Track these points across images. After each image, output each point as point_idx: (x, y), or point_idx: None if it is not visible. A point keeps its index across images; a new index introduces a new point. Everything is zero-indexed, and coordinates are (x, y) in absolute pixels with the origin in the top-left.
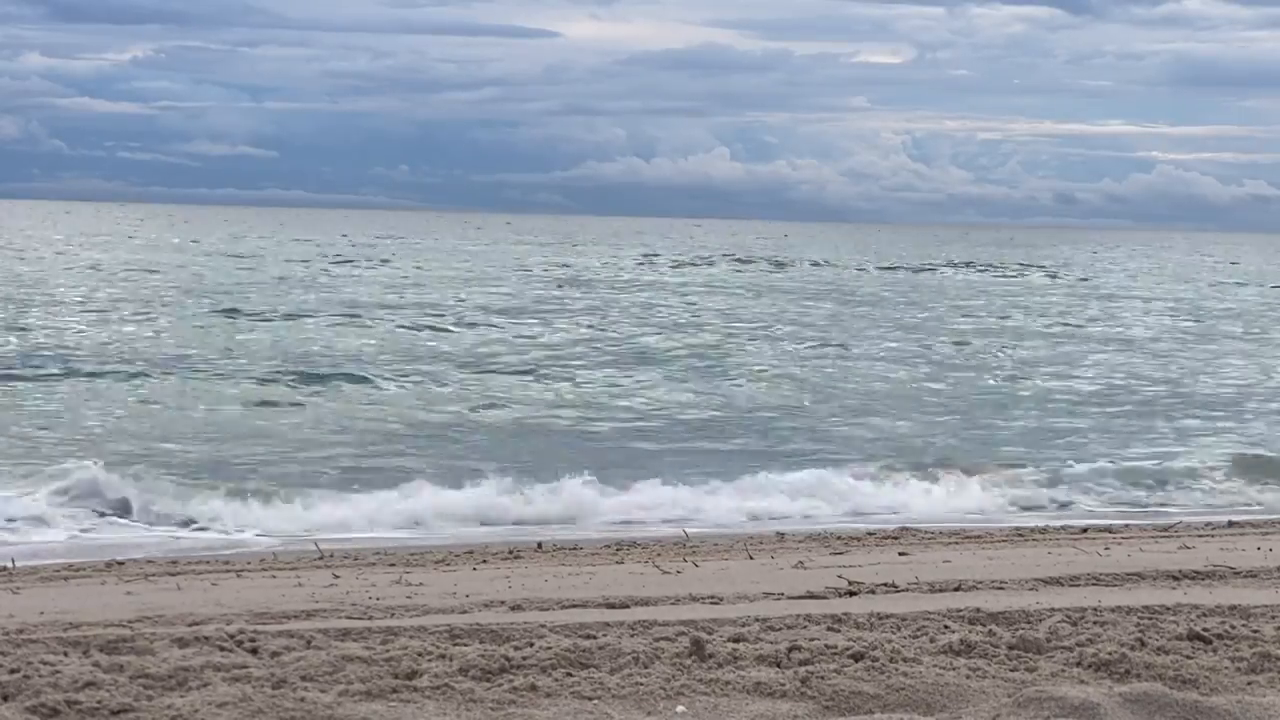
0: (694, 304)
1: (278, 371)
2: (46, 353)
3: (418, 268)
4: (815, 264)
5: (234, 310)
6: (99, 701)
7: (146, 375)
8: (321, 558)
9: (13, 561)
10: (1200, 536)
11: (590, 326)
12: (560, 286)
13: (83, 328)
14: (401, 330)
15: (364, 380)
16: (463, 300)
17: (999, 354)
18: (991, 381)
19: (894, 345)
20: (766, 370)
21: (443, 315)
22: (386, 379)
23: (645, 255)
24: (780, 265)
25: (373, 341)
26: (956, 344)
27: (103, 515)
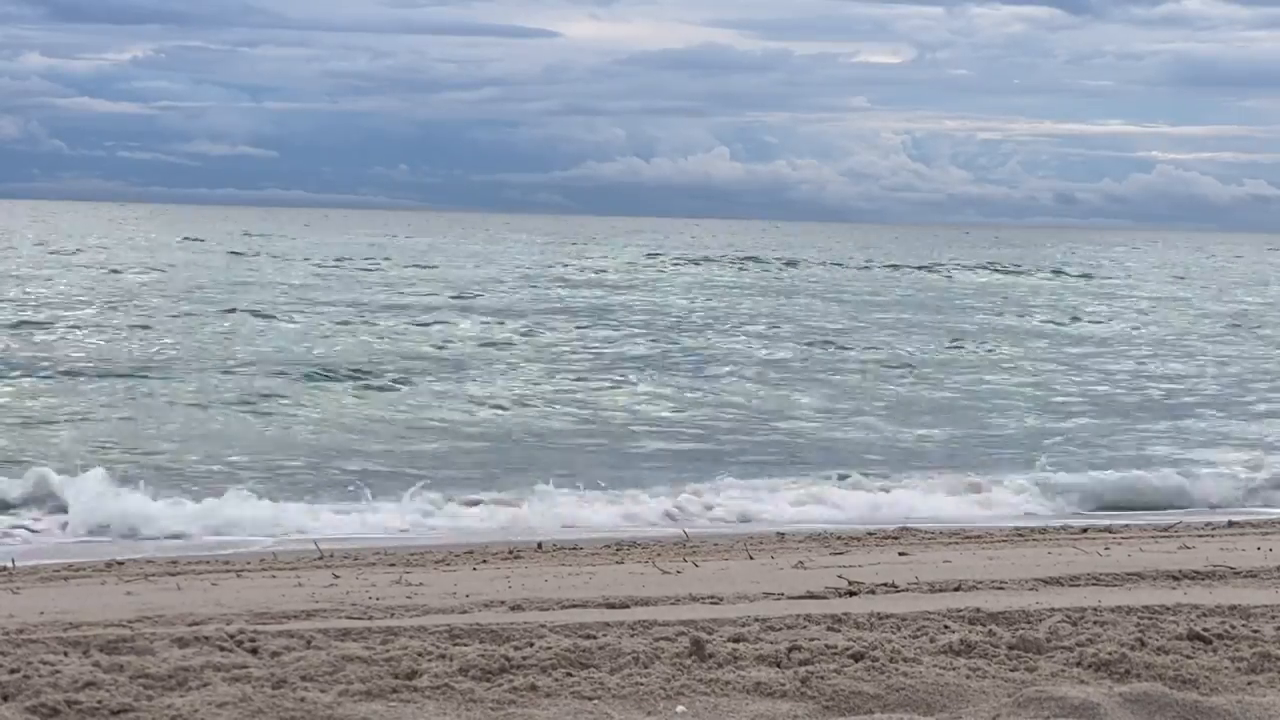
0: (696, 304)
1: (280, 371)
2: (42, 354)
3: (420, 267)
4: (819, 264)
5: (233, 309)
6: (99, 701)
7: (149, 376)
8: (321, 558)
9: (13, 561)
10: (1200, 536)
11: (592, 327)
12: (563, 286)
13: (79, 328)
14: (403, 331)
15: (368, 381)
16: (465, 301)
17: (999, 352)
18: (996, 382)
19: (901, 346)
20: (767, 371)
21: (445, 315)
22: (390, 380)
23: (649, 255)
24: (785, 265)
25: (374, 341)
26: (959, 344)
27: (98, 518)
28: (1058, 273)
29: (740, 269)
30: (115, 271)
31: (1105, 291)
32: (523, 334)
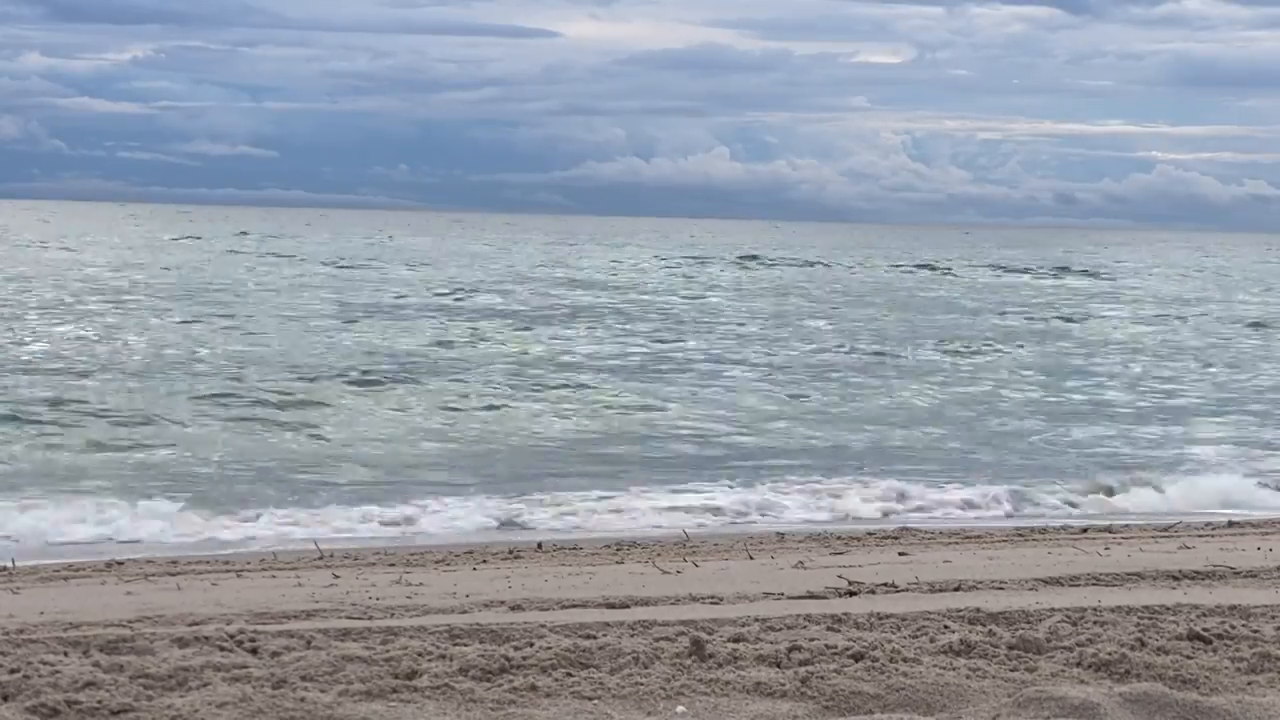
0: (702, 306)
1: (287, 374)
2: (24, 357)
3: (422, 268)
4: (820, 263)
5: (232, 313)
6: (99, 701)
7: (160, 375)
8: (321, 558)
9: (13, 561)
10: (1200, 536)
11: (594, 329)
12: (567, 287)
13: (70, 331)
14: (405, 332)
15: (375, 384)
16: (464, 302)
17: (1018, 354)
18: (1000, 384)
19: (919, 347)
20: (775, 373)
21: (444, 317)
22: (395, 384)
23: (654, 256)
24: (791, 265)
25: (376, 342)
26: (986, 344)
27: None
28: (1064, 271)
29: (745, 268)
30: (118, 270)
31: (1126, 294)
32: (528, 338)
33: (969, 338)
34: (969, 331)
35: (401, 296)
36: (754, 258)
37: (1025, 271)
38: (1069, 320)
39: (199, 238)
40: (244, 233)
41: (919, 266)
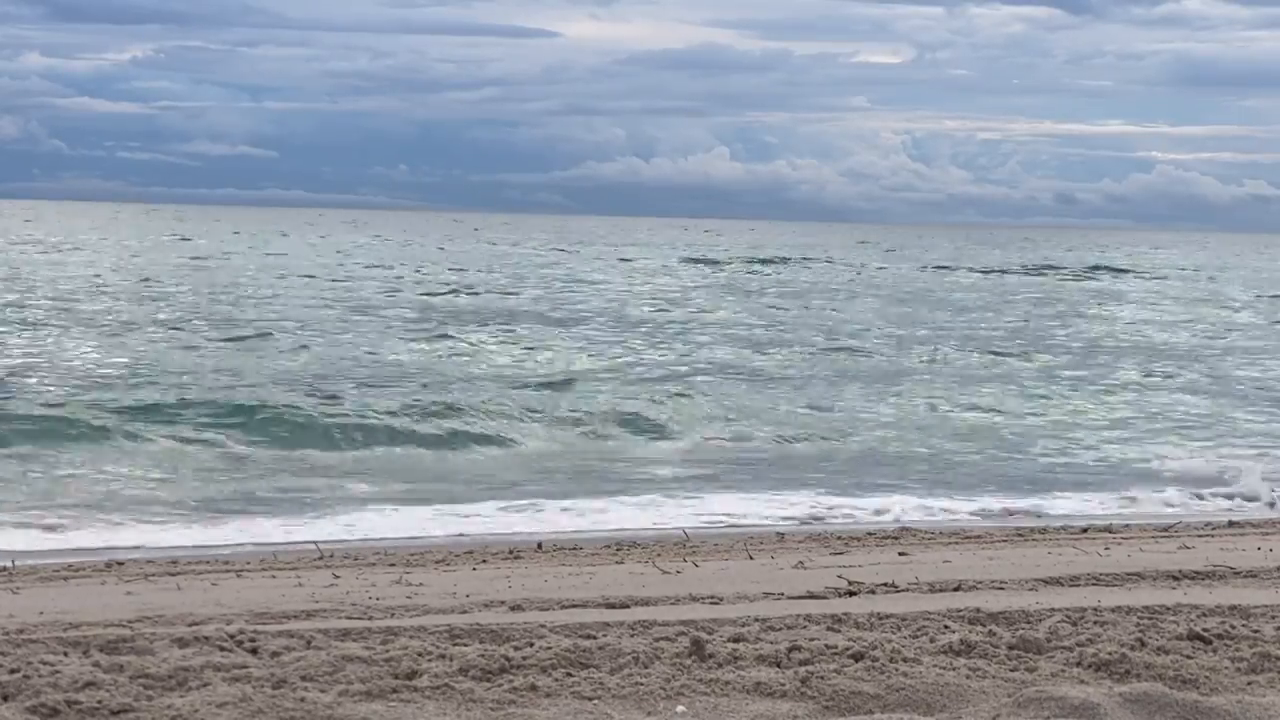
0: (713, 309)
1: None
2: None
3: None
4: (823, 262)
5: (238, 315)
6: (99, 701)
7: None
8: (321, 558)
9: (13, 561)
10: (1200, 536)
11: (592, 331)
12: (566, 288)
13: (63, 333)
14: (409, 338)
15: (379, 385)
16: (461, 305)
17: (1024, 357)
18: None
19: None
20: (797, 380)
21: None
22: (396, 385)
23: (683, 258)
24: (791, 264)
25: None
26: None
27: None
28: (1076, 269)
29: (753, 271)
30: (116, 270)
31: (1132, 294)
32: (526, 341)
33: (975, 338)
34: (971, 332)
35: (402, 297)
36: (764, 259)
37: (1042, 270)
38: (1082, 319)
39: (193, 238)
40: (236, 232)
41: (926, 268)
